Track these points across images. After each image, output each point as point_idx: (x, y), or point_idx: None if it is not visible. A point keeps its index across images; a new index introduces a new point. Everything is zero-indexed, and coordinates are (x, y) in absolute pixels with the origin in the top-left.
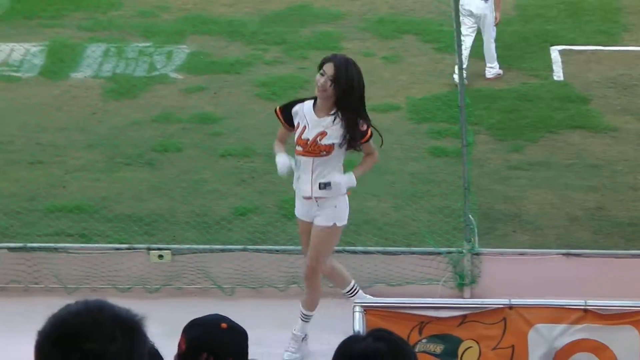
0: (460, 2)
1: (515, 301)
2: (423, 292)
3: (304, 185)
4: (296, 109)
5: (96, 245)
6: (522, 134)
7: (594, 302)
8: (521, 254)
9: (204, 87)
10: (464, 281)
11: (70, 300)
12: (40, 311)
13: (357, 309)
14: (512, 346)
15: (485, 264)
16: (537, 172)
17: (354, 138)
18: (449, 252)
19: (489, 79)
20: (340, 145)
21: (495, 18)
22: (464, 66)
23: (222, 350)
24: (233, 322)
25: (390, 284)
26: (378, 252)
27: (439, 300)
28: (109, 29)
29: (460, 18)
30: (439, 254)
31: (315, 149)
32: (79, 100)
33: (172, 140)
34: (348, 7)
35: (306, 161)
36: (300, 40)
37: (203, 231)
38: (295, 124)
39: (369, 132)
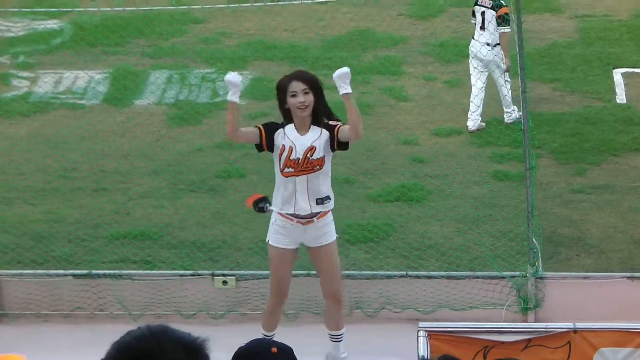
0: (470, 47)
1: (579, 325)
2: (487, 317)
3: (303, 205)
4: (279, 131)
5: (160, 272)
6: (584, 158)
7: None
8: (585, 278)
9: (267, 112)
10: (527, 305)
11: (134, 326)
12: (104, 338)
13: (422, 333)
14: None
15: (549, 287)
16: (601, 195)
17: (333, 137)
18: (513, 276)
19: (509, 123)
20: (329, 153)
21: (505, 64)
22: (479, 111)
23: None
24: (279, 343)
25: (454, 309)
26: (442, 276)
27: (503, 325)
28: (172, 55)
29: (470, 61)
30: (503, 278)
31: (308, 166)
32: (143, 127)
33: (235, 166)
34: (410, 31)
35: (300, 180)
36: (362, 65)
37: (266, 257)
38: (279, 146)
39: (335, 121)
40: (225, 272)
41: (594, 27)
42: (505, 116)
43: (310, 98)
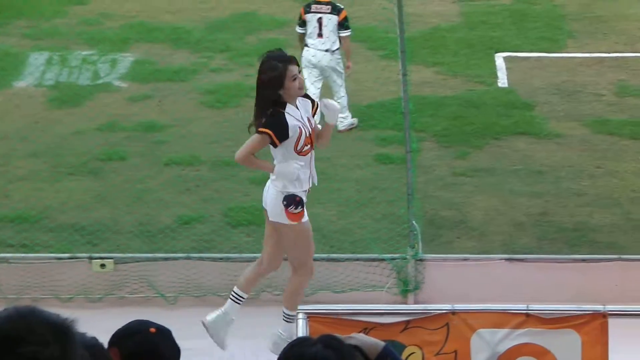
0: (302, 54)
1: (458, 306)
2: (367, 299)
3: (314, 174)
4: (288, 121)
5: (37, 255)
6: (467, 141)
7: (535, 307)
8: (464, 260)
9: (148, 95)
10: (407, 287)
11: None
12: None
13: (301, 315)
14: (455, 351)
15: (429, 270)
16: (482, 178)
17: (312, 107)
18: (393, 259)
19: (341, 131)
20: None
21: (347, 67)
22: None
23: (166, 353)
24: (158, 324)
25: (334, 291)
26: (322, 259)
27: (382, 307)
28: (52, 37)
29: (304, 68)
30: (383, 260)
31: (313, 135)
32: (22, 109)
33: (116, 149)
34: (294, 14)
35: (312, 152)
36: (245, 48)
37: (147, 240)
38: (295, 132)
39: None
40: (103, 255)
41: (477, 11)
42: (337, 122)
43: (302, 77)
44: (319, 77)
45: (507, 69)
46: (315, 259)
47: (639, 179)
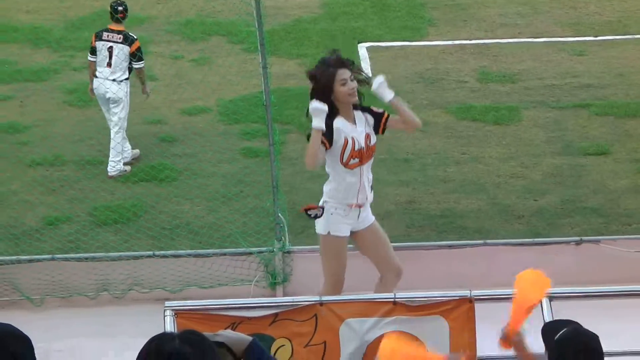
0: (96, 88)
1: (325, 297)
2: (236, 293)
3: (367, 192)
4: (335, 128)
5: None
6: None
7: (402, 294)
8: None
9: (9, 96)
10: (276, 280)
11: None
12: None
13: (168, 312)
14: (324, 342)
15: (297, 262)
16: None
17: (379, 122)
18: (260, 252)
19: (112, 176)
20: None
21: (144, 91)
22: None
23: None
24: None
25: (202, 287)
26: (189, 255)
27: (249, 300)
28: None
29: (102, 104)
30: (251, 254)
31: (370, 153)
32: None
33: None
34: (154, 10)
35: (363, 169)
36: None
37: (11, 242)
38: (341, 141)
39: (381, 110)
40: None
41: (338, 2)
42: (109, 167)
43: (356, 83)
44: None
45: (371, 58)
46: (180, 255)
47: (504, 164)
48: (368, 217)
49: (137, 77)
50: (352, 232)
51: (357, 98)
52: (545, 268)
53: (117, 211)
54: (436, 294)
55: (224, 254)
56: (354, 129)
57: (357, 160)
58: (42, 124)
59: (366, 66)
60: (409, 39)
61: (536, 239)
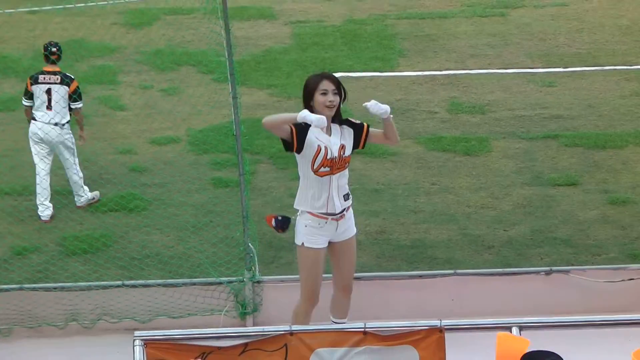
0: (30, 129)
1: (295, 327)
2: (206, 323)
3: (337, 202)
4: (308, 134)
5: None
6: None
7: (373, 324)
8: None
9: None
10: (246, 310)
11: None
12: None
13: (137, 342)
14: None
15: (267, 292)
16: None
17: (359, 135)
18: (230, 282)
19: (80, 207)
20: (353, 151)
21: (81, 137)
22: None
23: None
24: None
25: (172, 316)
26: (159, 284)
27: (219, 330)
28: None
29: (32, 144)
30: (221, 283)
31: (342, 164)
32: None
33: None
34: (125, 40)
35: (335, 178)
36: (77, 75)
37: None
38: (313, 147)
39: (359, 121)
40: None
41: (308, 32)
42: (75, 199)
43: (337, 99)
44: (50, 152)
45: None
46: (150, 285)
47: (474, 194)
48: (349, 230)
49: (76, 120)
50: (330, 242)
51: (333, 113)
52: (515, 298)
53: (86, 241)
54: (406, 323)
55: (194, 284)
56: (328, 139)
57: (327, 169)
58: (11, 153)
59: None
60: (379, 70)
61: (506, 269)
